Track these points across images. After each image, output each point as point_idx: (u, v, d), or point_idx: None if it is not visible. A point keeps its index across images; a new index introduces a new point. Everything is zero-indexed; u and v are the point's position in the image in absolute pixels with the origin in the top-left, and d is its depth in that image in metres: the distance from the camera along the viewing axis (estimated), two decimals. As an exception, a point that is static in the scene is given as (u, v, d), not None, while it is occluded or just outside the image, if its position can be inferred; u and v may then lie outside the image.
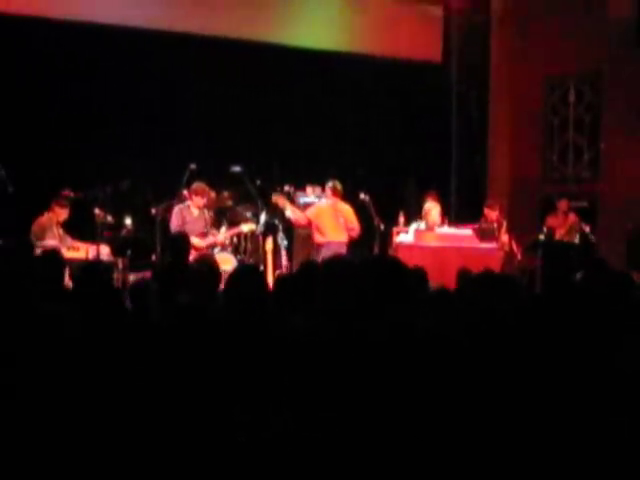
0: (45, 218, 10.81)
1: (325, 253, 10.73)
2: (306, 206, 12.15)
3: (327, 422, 3.37)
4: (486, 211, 12.42)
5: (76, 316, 4.21)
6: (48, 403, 3.47)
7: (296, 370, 3.60)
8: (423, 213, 11.38)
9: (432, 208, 11.38)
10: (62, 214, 10.88)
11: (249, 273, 4.71)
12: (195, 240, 10.65)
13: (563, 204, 12.78)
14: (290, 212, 11.59)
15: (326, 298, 4.33)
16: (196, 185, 11.08)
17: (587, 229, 12.39)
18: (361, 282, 4.17)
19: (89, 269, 5.21)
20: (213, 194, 11.47)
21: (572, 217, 12.63)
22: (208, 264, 5.77)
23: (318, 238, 11.59)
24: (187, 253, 7.96)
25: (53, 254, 5.61)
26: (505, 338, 3.77)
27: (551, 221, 12.67)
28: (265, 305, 4.48)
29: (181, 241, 8.04)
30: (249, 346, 3.80)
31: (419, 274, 5.51)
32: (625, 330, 4.03)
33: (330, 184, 11.73)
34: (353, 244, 11.79)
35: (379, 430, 3.32)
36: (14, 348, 3.74)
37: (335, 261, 4.74)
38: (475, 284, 4.66)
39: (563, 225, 12.57)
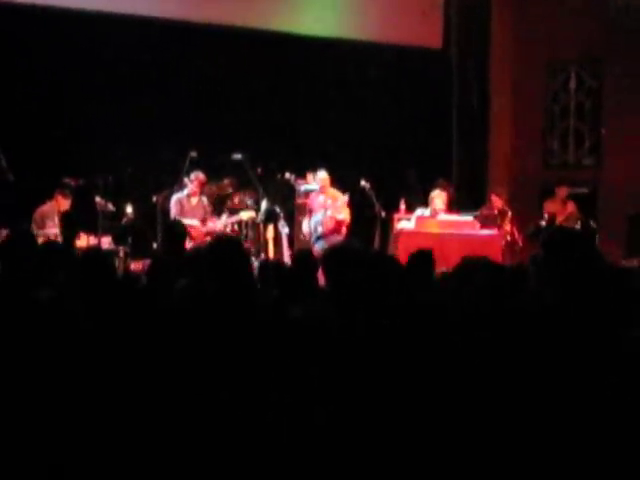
0: (47, 207, 10.83)
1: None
2: (307, 194, 12.13)
3: (325, 414, 3.38)
4: (493, 197, 12.40)
5: (77, 305, 4.21)
6: (47, 394, 3.48)
7: (299, 360, 3.61)
8: (429, 199, 11.42)
9: (437, 196, 11.42)
10: (64, 204, 10.90)
11: (227, 244, 4.63)
12: (193, 222, 10.70)
13: (562, 191, 12.68)
14: (344, 213, 11.57)
15: (332, 286, 4.34)
16: (193, 173, 11.12)
17: (584, 217, 12.33)
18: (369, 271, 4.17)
19: (91, 256, 5.20)
20: (212, 180, 11.47)
21: (571, 206, 12.51)
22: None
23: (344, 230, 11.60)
24: (183, 240, 7.92)
25: (53, 243, 5.61)
26: (511, 330, 3.78)
27: (549, 207, 12.59)
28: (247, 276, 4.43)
29: (177, 228, 7.99)
30: (240, 330, 3.81)
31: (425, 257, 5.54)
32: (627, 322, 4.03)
33: (326, 174, 11.70)
34: (353, 231, 11.80)
35: (380, 422, 3.33)
36: (15, 338, 3.74)
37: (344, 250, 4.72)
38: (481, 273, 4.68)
39: (562, 213, 12.51)
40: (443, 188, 11.99)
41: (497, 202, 12.27)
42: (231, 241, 4.87)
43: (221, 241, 4.75)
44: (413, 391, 3.44)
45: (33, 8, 11.64)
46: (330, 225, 11.49)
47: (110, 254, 9.76)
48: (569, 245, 4.17)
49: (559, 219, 12.43)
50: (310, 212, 11.73)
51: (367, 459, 3.28)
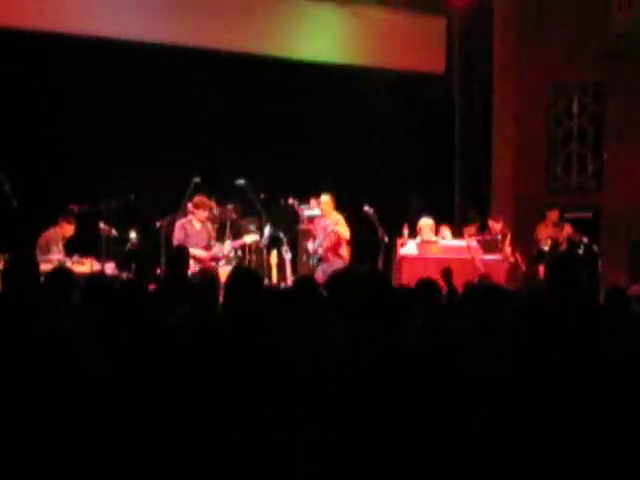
0: (51, 232, 10.84)
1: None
2: (311, 219, 12.14)
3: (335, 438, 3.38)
4: (490, 223, 12.43)
5: (84, 332, 4.21)
6: (47, 423, 3.47)
7: (309, 388, 3.61)
8: (417, 229, 11.45)
9: (424, 226, 11.41)
10: (69, 230, 10.93)
11: (246, 278, 4.63)
12: (197, 251, 10.61)
13: (553, 214, 12.65)
14: (343, 229, 11.56)
15: (336, 310, 4.32)
16: (197, 198, 11.06)
17: (585, 240, 12.30)
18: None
19: (97, 282, 5.20)
20: (214, 206, 11.46)
21: (567, 228, 12.47)
22: (209, 277, 5.74)
23: (345, 251, 11.58)
24: (186, 267, 7.91)
25: (62, 269, 5.62)
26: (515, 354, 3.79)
27: (541, 231, 12.53)
28: (265, 312, 4.44)
29: (179, 255, 7.99)
30: (254, 360, 3.80)
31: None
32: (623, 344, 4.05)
33: (328, 198, 11.74)
34: (357, 256, 11.82)
35: (386, 443, 3.33)
36: (22, 363, 3.73)
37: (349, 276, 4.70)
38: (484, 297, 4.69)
39: (559, 236, 12.47)
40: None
41: (495, 227, 12.27)
42: (250, 273, 4.87)
43: (240, 273, 4.75)
44: (417, 414, 3.44)
45: (39, 35, 11.71)
46: (330, 243, 11.48)
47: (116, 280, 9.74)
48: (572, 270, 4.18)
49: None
50: (314, 236, 11.77)
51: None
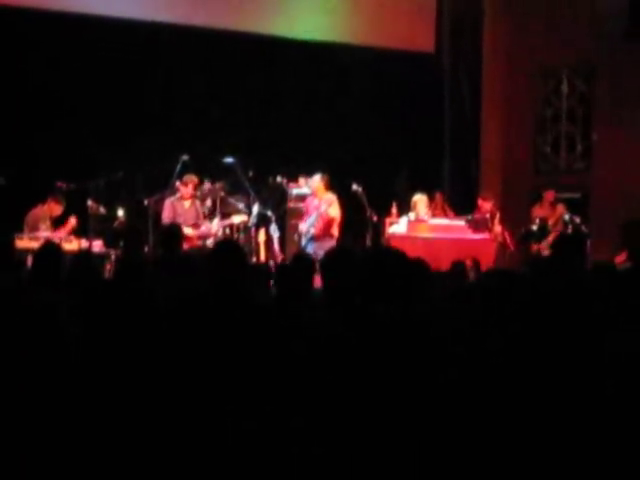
0: (39, 210, 10.84)
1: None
2: (300, 198, 12.12)
3: (327, 414, 3.36)
4: (480, 202, 12.42)
5: (69, 306, 4.19)
6: (41, 396, 3.45)
7: (300, 361, 3.59)
8: (412, 205, 11.41)
9: (419, 200, 11.39)
10: (57, 209, 10.92)
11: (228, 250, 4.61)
12: (186, 229, 10.60)
13: (549, 194, 12.71)
14: (335, 210, 11.49)
15: (330, 289, 4.31)
16: (186, 177, 11.11)
17: (577, 220, 12.33)
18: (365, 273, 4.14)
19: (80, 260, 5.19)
20: (205, 184, 11.47)
21: (560, 208, 12.51)
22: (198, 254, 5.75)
23: (336, 230, 11.54)
24: (179, 244, 7.90)
25: (51, 246, 5.59)
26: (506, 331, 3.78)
27: (537, 211, 12.60)
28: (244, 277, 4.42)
29: (173, 232, 7.98)
30: (241, 332, 3.79)
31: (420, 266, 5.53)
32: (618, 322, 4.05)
33: (319, 178, 11.69)
34: (346, 235, 11.80)
35: (382, 422, 3.32)
36: (9, 339, 3.71)
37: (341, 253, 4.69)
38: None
39: (552, 216, 12.52)
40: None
41: (485, 205, 12.27)
42: (232, 245, 4.86)
43: (222, 245, 4.75)
44: (404, 397, 3.43)
45: (26, 11, 11.62)
46: (321, 223, 11.44)
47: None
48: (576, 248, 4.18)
49: (550, 222, 12.45)
50: (303, 216, 11.73)
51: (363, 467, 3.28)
